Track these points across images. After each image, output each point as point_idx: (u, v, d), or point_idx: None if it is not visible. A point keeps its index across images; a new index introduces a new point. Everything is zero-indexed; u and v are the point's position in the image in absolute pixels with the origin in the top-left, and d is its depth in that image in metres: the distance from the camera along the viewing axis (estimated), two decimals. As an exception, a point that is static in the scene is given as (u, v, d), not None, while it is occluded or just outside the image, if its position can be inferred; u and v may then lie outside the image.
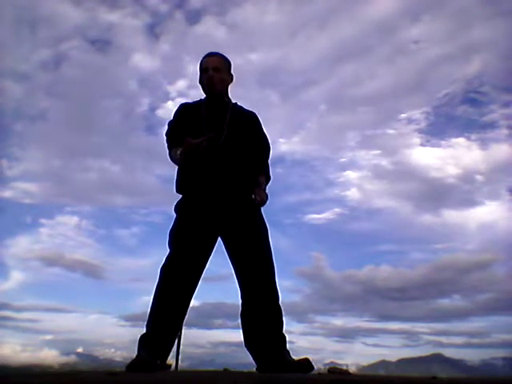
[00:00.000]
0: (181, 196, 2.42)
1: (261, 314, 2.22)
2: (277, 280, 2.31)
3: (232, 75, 2.53)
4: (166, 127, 2.52)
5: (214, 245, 2.34)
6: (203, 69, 2.45)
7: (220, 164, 2.31)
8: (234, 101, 2.53)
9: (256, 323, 2.22)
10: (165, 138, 2.50)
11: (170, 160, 2.47)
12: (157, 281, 2.25)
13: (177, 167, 2.45)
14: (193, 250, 2.25)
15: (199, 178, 2.32)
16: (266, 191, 2.46)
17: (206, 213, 2.29)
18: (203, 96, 2.52)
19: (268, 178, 2.54)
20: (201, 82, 2.50)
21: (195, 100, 2.54)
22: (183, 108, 2.51)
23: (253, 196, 2.37)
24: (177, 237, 2.31)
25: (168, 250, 2.31)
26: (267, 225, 2.41)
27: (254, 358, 2.23)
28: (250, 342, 2.24)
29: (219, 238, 2.36)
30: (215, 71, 2.41)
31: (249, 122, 2.49)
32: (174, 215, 2.39)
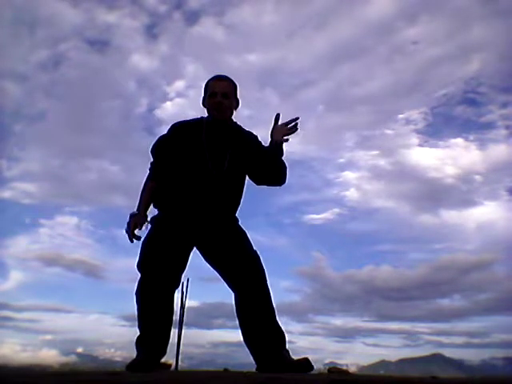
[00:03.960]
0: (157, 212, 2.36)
1: (254, 310, 2.21)
2: (266, 273, 2.29)
3: (238, 100, 2.43)
4: (153, 143, 2.38)
5: (189, 254, 2.30)
6: (211, 93, 2.32)
7: (215, 190, 2.26)
8: (237, 122, 2.45)
9: (250, 320, 2.22)
10: (150, 155, 2.38)
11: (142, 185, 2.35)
12: (135, 304, 2.24)
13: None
14: (165, 268, 2.21)
15: (185, 197, 2.26)
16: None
17: (180, 226, 2.25)
18: (199, 114, 2.42)
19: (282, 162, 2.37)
20: (206, 105, 2.38)
21: (194, 118, 2.42)
22: (180, 127, 2.37)
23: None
24: (147, 256, 2.25)
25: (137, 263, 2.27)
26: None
27: (252, 356, 2.23)
28: (247, 340, 2.24)
29: (195, 248, 2.34)
30: (224, 97, 2.30)
31: (250, 145, 2.40)
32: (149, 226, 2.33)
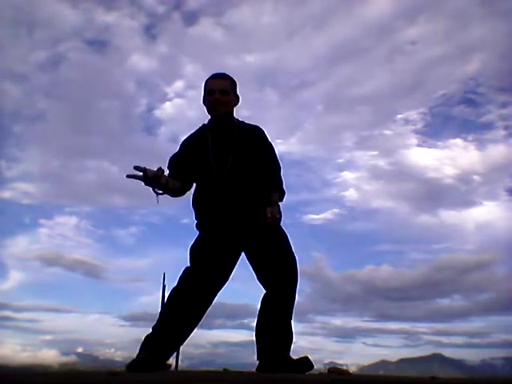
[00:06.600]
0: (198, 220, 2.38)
1: (273, 307, 2.25)
2: (298, 276, 2.30)
3: (238, 96, 2.43)
4: (168, 163, 2.41)
5: (236, 262, 2.30)
6: (209, 91, 2.34)
7: (225, 195, 2.28)
8: (239, 119, 2.45)
9: (266, 315, 2.26)
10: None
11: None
12: (176, 283, 2.22)
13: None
14: (215, 263, 2.22)
15: (214, 213, 2.29)
16: (280, 208, 2.37)
17: (227, 231, 2.26)
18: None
19: (282, 193, 2.46)
20: (205, 103, 2.39)
21: (199, 127, 2.45)
22: (188, 142, 2.42)
23: (268, 214, 2.29)
24: (199, 251, 2.28)
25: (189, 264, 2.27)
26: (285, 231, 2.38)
27: (256, 349, 2.25)
28: (257, 332, 2.28)
29: (240, 254, 2.33)
30: (222, 94, 2.31)
31: (255, 143, 2.41)
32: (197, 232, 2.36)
